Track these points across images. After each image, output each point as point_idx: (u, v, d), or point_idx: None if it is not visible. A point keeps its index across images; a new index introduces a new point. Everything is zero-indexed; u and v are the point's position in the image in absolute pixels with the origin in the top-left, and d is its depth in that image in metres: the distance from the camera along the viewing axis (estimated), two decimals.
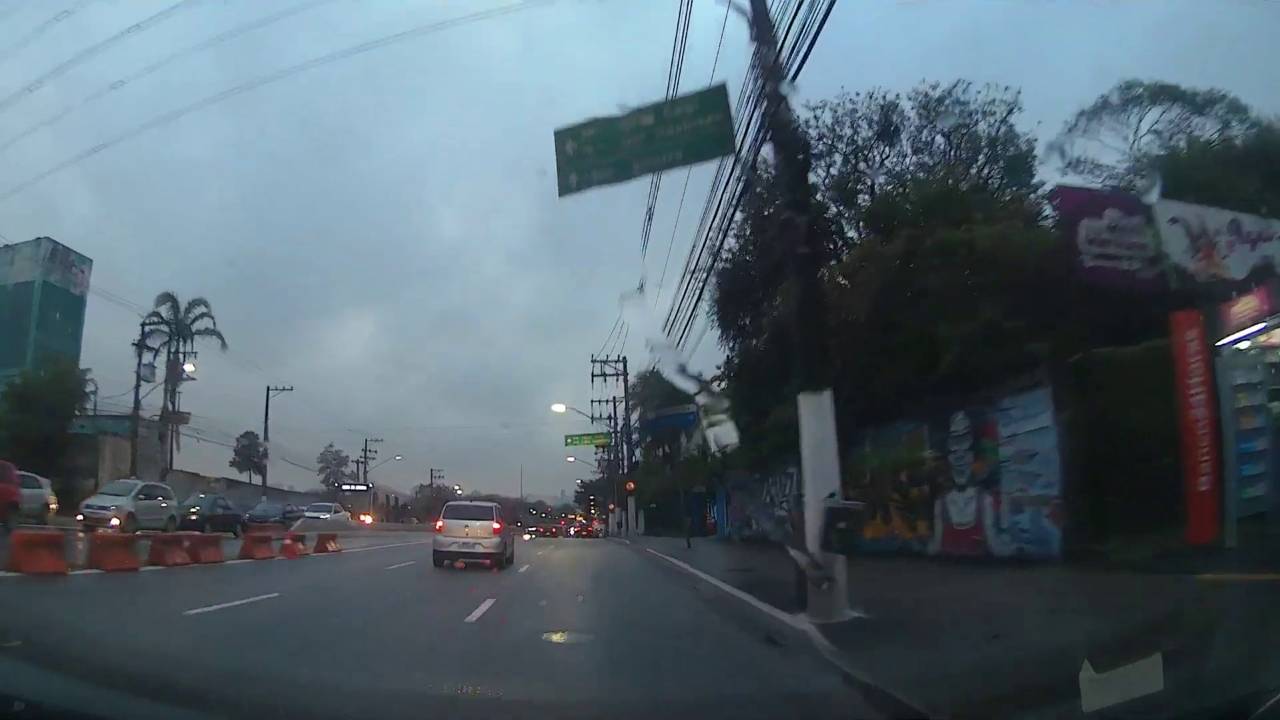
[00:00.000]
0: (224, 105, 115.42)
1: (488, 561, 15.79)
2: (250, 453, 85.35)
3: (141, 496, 22.98)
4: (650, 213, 21.55)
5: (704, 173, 12.06)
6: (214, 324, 52.64)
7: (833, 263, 22.38)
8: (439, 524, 16.51)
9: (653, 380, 45.26)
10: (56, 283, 56.76)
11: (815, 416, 7.98)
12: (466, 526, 15.97)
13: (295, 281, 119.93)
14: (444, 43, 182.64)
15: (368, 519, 42.40)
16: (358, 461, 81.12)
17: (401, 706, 4.75)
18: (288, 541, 18.72)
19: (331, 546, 21.08)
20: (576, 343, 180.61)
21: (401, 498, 56.69)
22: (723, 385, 25.88)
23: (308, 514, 37.41)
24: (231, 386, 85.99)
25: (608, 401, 49.23)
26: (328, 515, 37.46)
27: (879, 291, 19.05)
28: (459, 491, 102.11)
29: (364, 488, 45.53)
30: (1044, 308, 14.98)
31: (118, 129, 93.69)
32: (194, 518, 26.75)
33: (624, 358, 39.75)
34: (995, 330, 13.98)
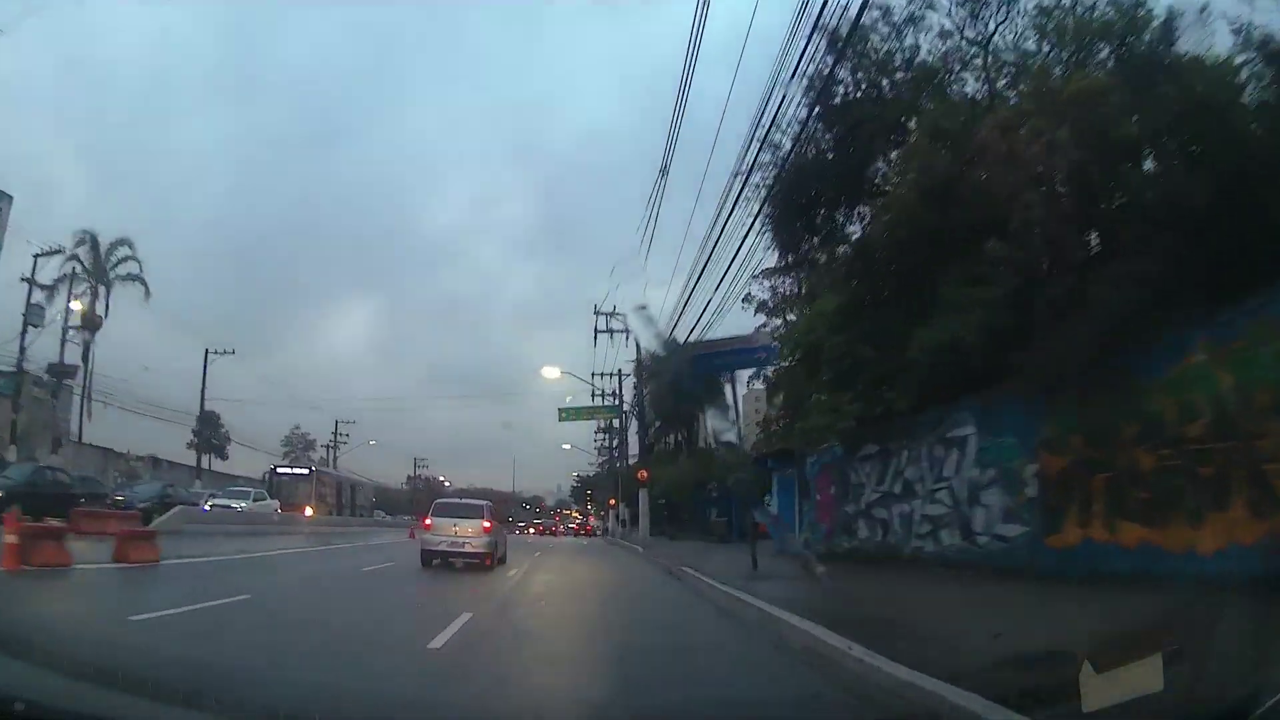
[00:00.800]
0: (204, 89, 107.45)
1: (489, 561, 15.37)
2: (210, 433, 77.40)
3: None
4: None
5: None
6: (140, 268, 43.99)
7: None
8: (427, 522, 15.92)
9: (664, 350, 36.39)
10: None
11: None
12: (455, 525, 15.33)
13: (282, 266, 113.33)
14: (440, 33, 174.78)
15: (309, 511, 33.09)
16: (327, 446, 72.51)
17: None
18: (10, 540, 9.74)
19: (139, 555, 12.01)
20: (572, 334, 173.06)
21: (360, 486, 47.06)
22: (798, 315, 16.96)
23: (217, 501, 28.38)
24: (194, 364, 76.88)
25: (611, 375, 40.31)
26: (243, 504, 28.38)
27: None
28: (447, 485, 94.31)
29: (304, 472, 35.79)
30: None
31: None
32: None
33: (642, 306, 30.64)
34: None
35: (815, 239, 19.69)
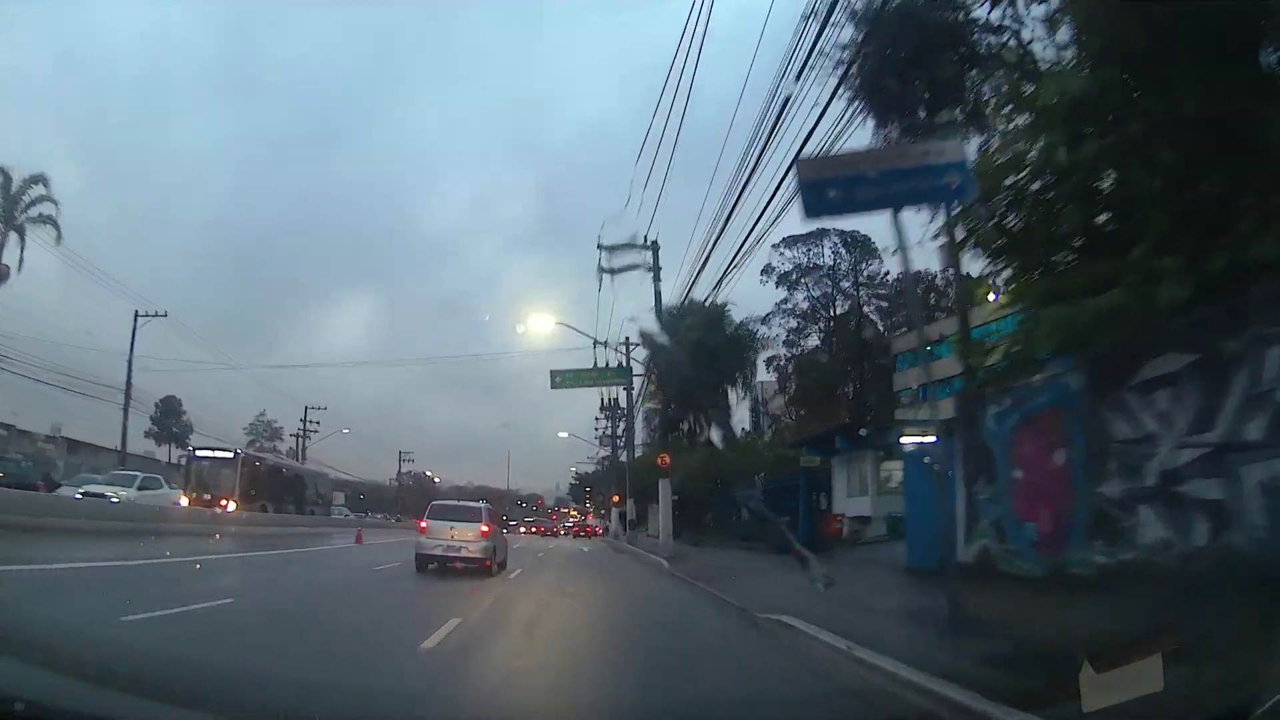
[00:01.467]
0: (203, 87, 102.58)
1: (488, 565, 14.84)
2: (169, 421, 70.55)
3: None
4: None
5: None
6: (57, 210, 36.75)
7: None
8: (423, 524, 15.36)
9: (684, 314, 29.34)
10: None
11: None
12: (452, 528, 14.83)
13: (281, 265, 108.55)
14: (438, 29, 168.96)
15: (230, 505, 25.82)
16: (295, 435, 65.06)
17: None
18: None
19: None
20: (571, 330, 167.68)
21: (311, 477, 39.33)
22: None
23: (89, 488, 21.21)
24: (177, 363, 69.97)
25: (619, 347, 33.07)
26: (127, 492, 21.22)
27: None
28: (438, 482, 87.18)
29: (226, 455, 27.68)
30: None
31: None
32: None
33: (654, 243, 23.32)
34: None
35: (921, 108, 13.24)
